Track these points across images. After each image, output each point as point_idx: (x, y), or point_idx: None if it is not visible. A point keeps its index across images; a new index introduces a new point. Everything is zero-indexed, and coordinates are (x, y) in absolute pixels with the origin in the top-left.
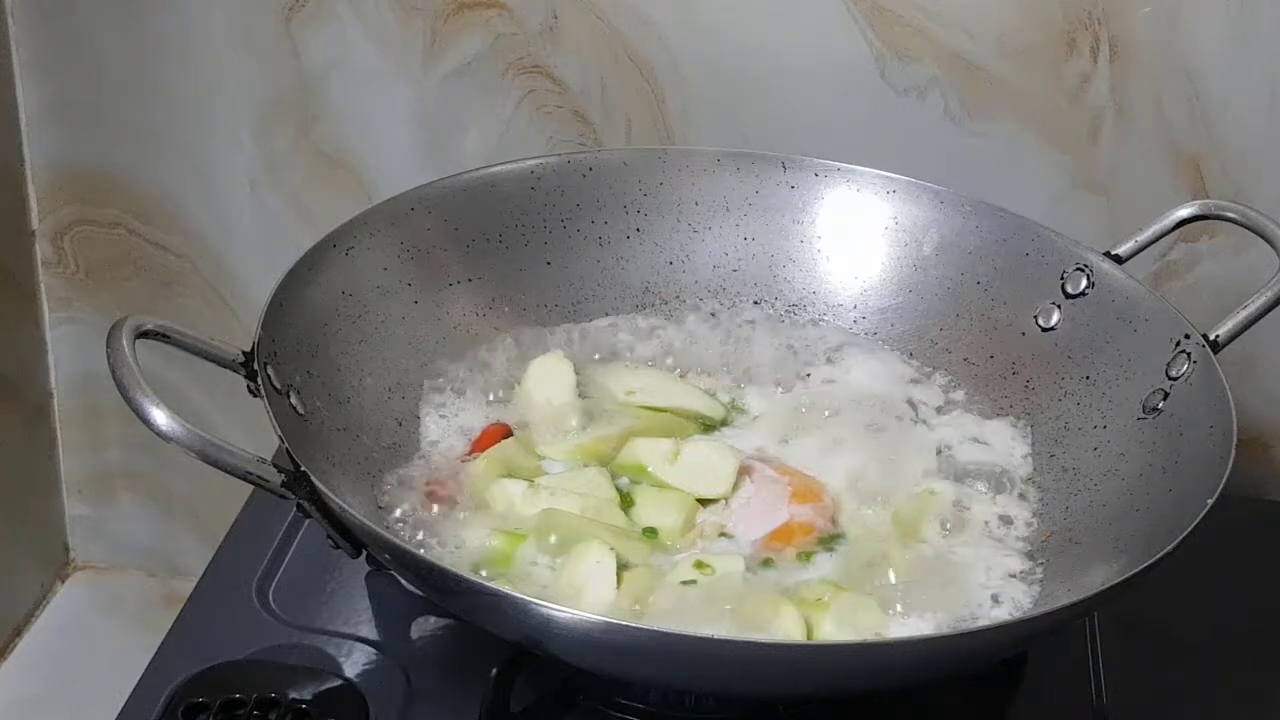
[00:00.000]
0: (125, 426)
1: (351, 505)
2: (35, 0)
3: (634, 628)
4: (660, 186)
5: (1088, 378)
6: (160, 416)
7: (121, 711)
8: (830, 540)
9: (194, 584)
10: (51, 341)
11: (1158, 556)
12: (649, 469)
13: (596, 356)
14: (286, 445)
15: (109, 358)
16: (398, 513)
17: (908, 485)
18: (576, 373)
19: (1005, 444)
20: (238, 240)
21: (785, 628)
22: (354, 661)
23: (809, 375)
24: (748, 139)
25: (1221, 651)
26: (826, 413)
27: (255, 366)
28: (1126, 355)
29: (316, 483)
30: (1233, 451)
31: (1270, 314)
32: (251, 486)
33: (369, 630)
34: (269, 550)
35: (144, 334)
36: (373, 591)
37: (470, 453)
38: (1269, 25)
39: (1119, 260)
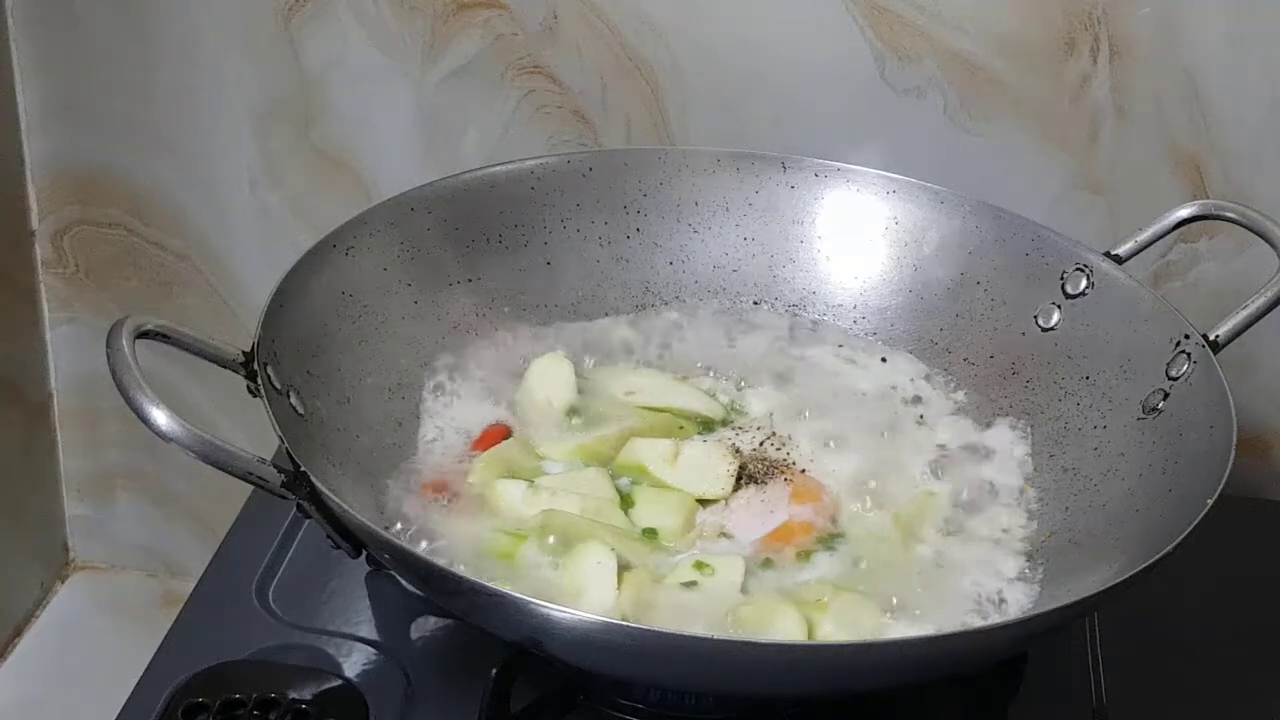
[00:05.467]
0: (125, 426)
1: (351, 505)
2: (35, 0)
3: (634, 628)
4: (660, 186)
5: (1088, 378)
6: (160, 416)
7: (121, 711)
8: (830, 540)
9: (194, 584)
10: (51, 341)
11: (1158, 556)
12: (649, 469)
13: (596, 356)
14: (286, 445)
15: (109, 358)
16: (398, 512)
17: (908, 485)
18: (576, 373)
19: (1005, 444)
20: (238, 240)
21: (785, 628)
22: (354, 661)
23: (809, 375)
24: (747, 139)
25: (1221, 651)
26: (826, 413)
27: (255, 366)
28: (1126, 355)
29: (316, 483)
30: (1233, 451)
31: (1270, 314)
32: (251, 486)
33: (369, 630)
34: (269, 550)
35: (144, 334)
36: (373, 591)
37: (470, 453)
38: (1269, 25)
39: (1119, 260)
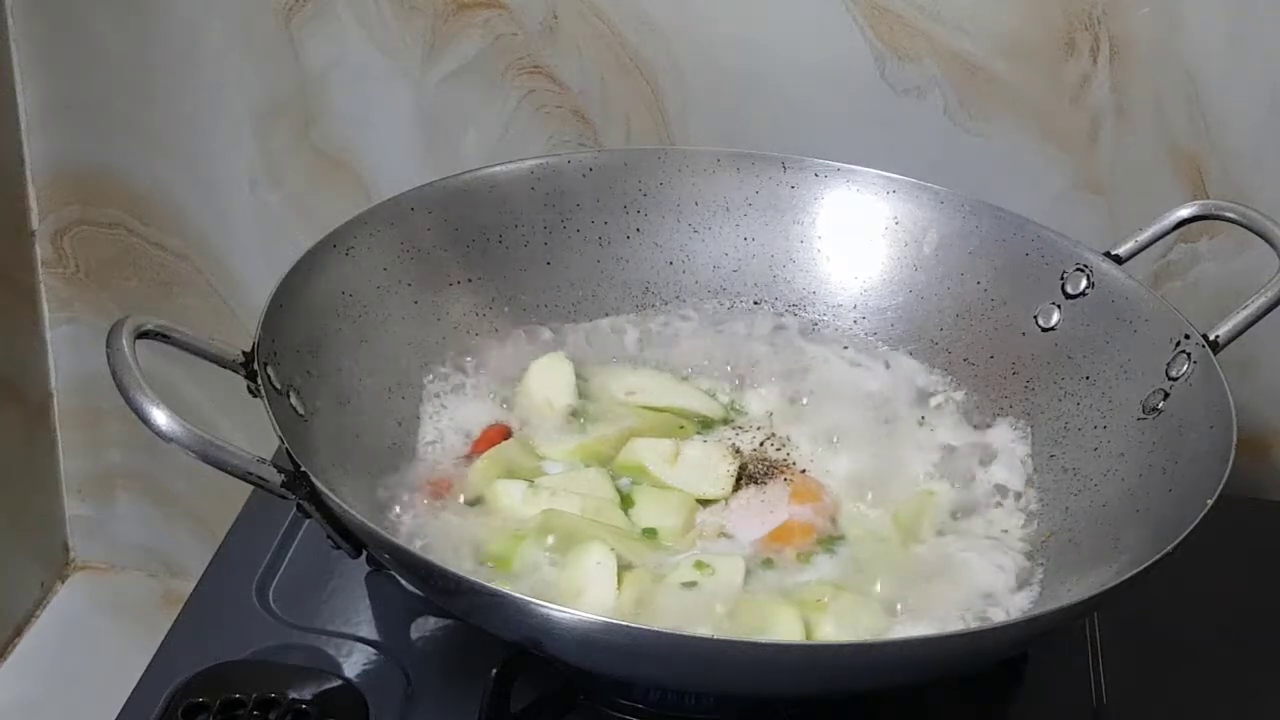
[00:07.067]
0: (125, 426)
1: (351, 505)
2: (35, 0)
3: (634, 628)
4: (660, 186)
5: (1088, 378)
6: (160, 416)
7: (121, 711)
8: (830, 541)
9: (194, 584)
10: (51, 341)
11: (1158, 556)
12: (649, 469)
13: (596, 356)
14: (286, 445)
15: (109, 358)
16: (398, 512)
17: (908, 485)
18: (576, 373)
19: (1005, 444)
20: (238, 240)
21: (785, 629)
22: (354, 661)
23: (809, 375)
24: (748, 139)
25: (1221, 651)
26: (826, 413)
27: (255, 366)
28: (1126, 355)
29: (316, 483)
30: (1233, 451)
31: (1270, 314)
32: (251, 486)
33: (369, 630)
34: (269, 550)
35: (144, 334)
36: (373, 591)
37: (470, 453)
38: (1269, 25)
39: (1119, 260)
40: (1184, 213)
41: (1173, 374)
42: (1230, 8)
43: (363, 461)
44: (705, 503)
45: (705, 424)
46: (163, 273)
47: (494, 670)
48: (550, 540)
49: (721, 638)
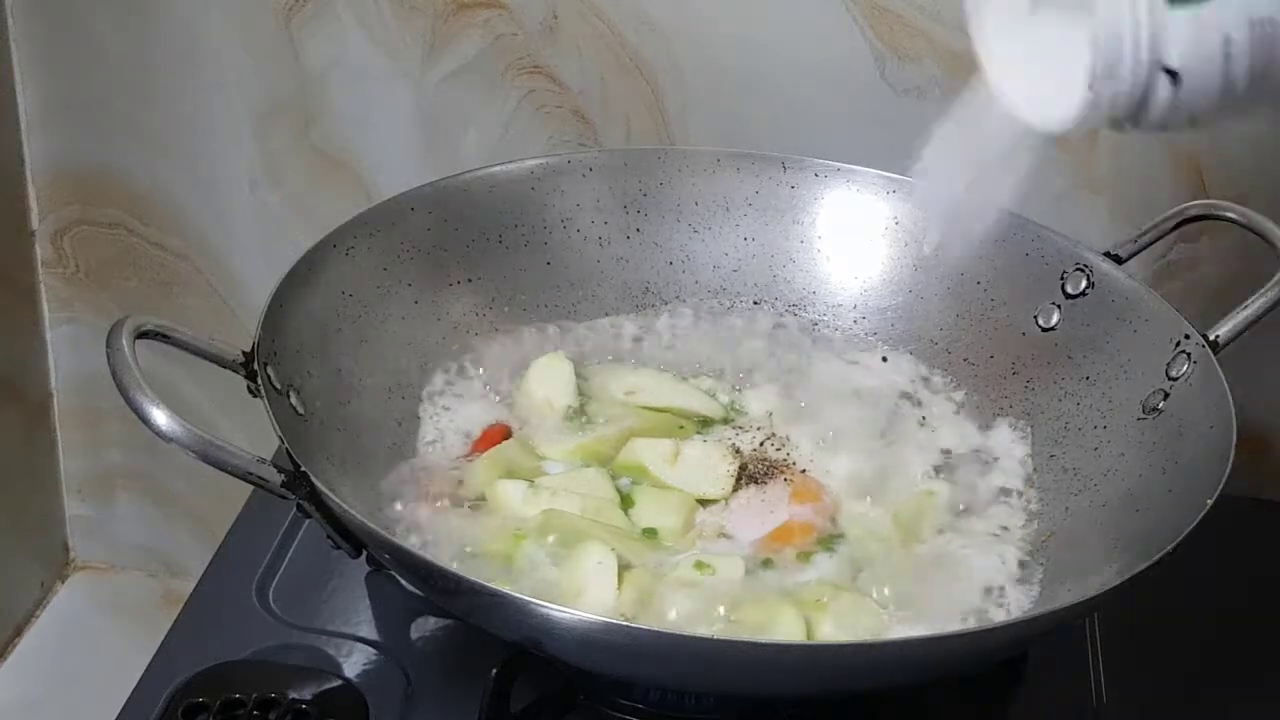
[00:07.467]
0: (125, 426)
1: (351, 505)
2: (35, 0)
3: (634, 628)
4: (660, 186)
5: (1088, 378)
6: (160, 416)
7: (121, 711)
8: (830, 540)
9: (194, 584)
10: (51, 341)
11: (1158, 557)
12: (649, 469)
13: (596, 356)
14: (286, 445)
15: (109, 358)
16: (398, 512)
17: (908, 485)
18: (576, 373)
19: (1005, 444)
20: (238, 240)
21: (785, 628)
22: (354, 661)
23: (809, 375)
24: (748, 139)
25: (1221, 652)
26: (826, 413)
27: (255, 366)
28: (1126, 355)
29: (316, 483)
30: (1233, 451)
31: (1270, 314)
32: (251, 486)
33: (369, 630)
34: (269, 550)
35: (144, 334)
36: (373, 591)
37: (470, 453)
38: None
39: (1119, 260)
40: (1184, 213)
41: (1173, 374)
42: None
43: (363, 461)
44: (705, 503)
45: (705, 424)
46: (163, 273)
47: (494, 670)
48: (550, 540)
49: (721, 638)
